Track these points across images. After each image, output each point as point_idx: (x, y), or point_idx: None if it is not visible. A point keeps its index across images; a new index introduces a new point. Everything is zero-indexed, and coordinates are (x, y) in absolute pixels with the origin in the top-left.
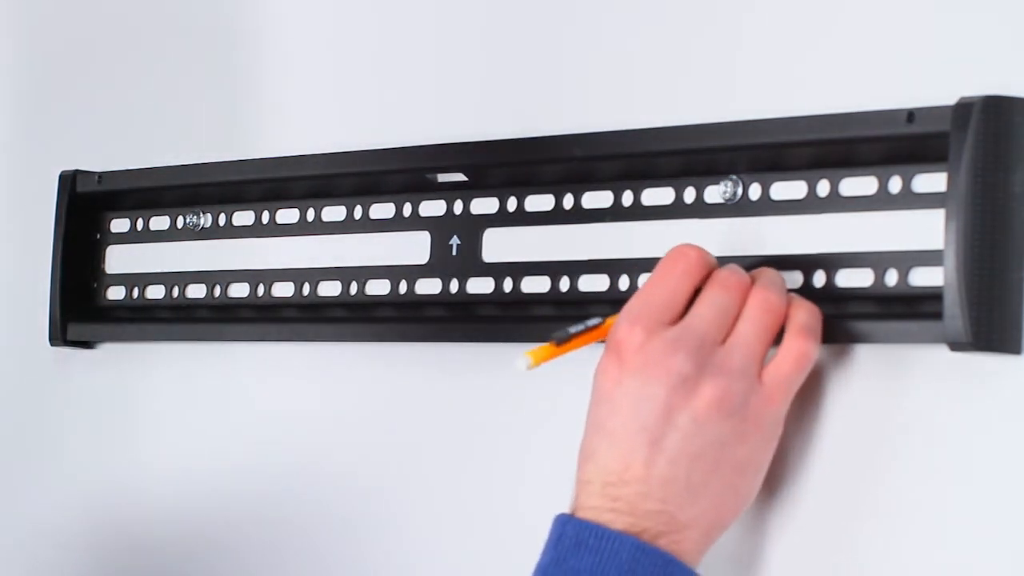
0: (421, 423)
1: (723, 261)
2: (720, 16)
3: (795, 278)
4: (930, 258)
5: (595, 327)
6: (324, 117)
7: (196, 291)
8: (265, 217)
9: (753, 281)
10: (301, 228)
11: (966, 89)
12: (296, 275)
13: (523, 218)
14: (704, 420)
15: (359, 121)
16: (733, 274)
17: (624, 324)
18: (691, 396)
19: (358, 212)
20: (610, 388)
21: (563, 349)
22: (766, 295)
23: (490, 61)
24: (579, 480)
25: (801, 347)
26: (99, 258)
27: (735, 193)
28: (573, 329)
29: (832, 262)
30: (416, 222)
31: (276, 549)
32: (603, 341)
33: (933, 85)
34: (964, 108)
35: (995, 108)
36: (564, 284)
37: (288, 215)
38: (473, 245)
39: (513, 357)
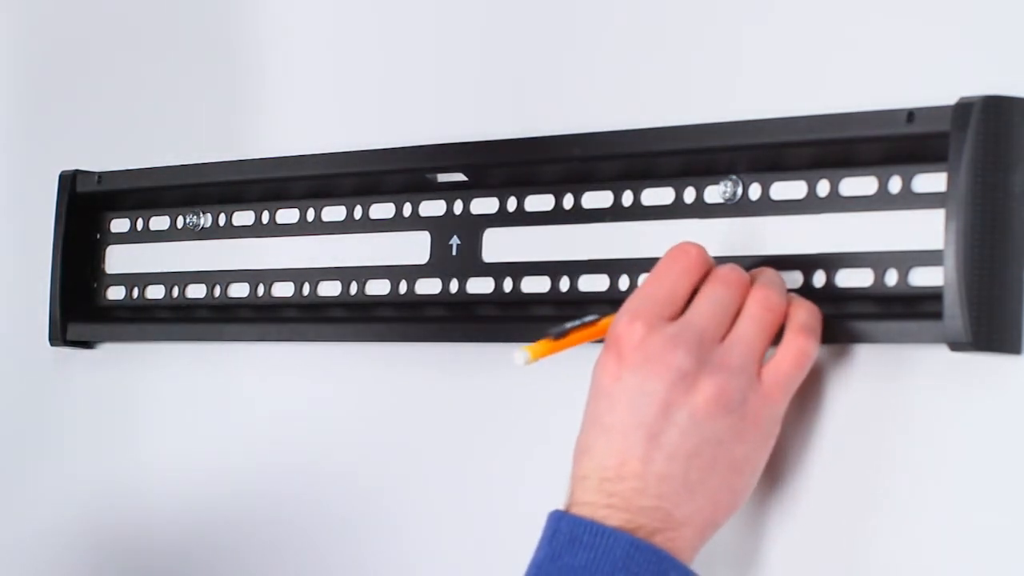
0: (421, 423)
1: (723, 261)
2: (720, 16)
3: (795, 278)
4: (930, 258)
5: (593, 323)
6: (324, 117)
7: (196, 291)
8: (265, 217)
9: (753, 280)
10: (301, 228)
11: (966, 89)
12: (296, 275)
13: (523, 218)
14: (703, 417)
15: (359, 121)
16: (733, 272)
17: (624, 319)
18: (690, 392)
19: (358, 212)
20: (608, 383)
21: (561, 344)
22: (766, 293)
23: (490, 61)
24: (575, 475)
25: (801, 345)
26: (99, 258)
27: (735, 193)
28: (570, 324)
29: (832, 262)
30: (416, 222)
31: (276, 549)
32: (602, 340)
33: (933, 85)
34: (964, 108)
35: (995, 108)
36: (564, 284)
37: (288, 215)
38: (473, 245)
39: (512, 354)
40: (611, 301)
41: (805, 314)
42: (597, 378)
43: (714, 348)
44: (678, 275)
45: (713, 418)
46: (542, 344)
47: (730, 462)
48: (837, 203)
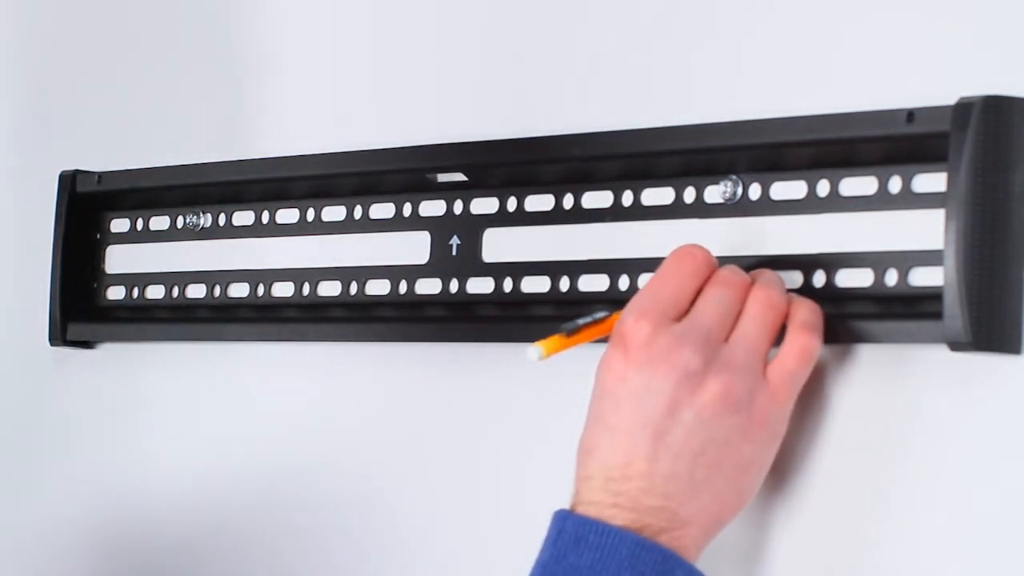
0: (421, 423)
1: (723, 261)
2: (720, 16)
3: (795, 278)
4: (930, 258)
5: (604, 319)
6: (324, 117)
7: (196, 291)
8: (265, 217)
9: (753, 281)
10: (301, 228)
11: (966, 89)
12: (296, 275)
13: (523, 218)
14: (709, 416)
15: (359, 121)
16: (734, 274)
17: (630, 318)
18: (696, 391)
19: (358, 212)
20: (613, 382)
21: (572, 340)
22: (767, 293)
23: (490, 61)
24: (579, 475)
25: (804, 342)
26: (99, 258)
27: (735, 193)
28: (582, 320)
29: (832, 262)
30: (416, 222)
31: (277, 549)
32: (605, 340)
33: (933, 85)
34: (964, 108)
35: (995, 108)
36: (564, 284)
37: (288, 215)
38: (473, 245)
39: (515, 355)
40: (611, 301)
41: (806, 311)
42: (601, 377)
43: (719, 347)
44: (684, 277)
45: (720, 417)
46: (554, 340)
47: (736, 461)
48: (837, 203)
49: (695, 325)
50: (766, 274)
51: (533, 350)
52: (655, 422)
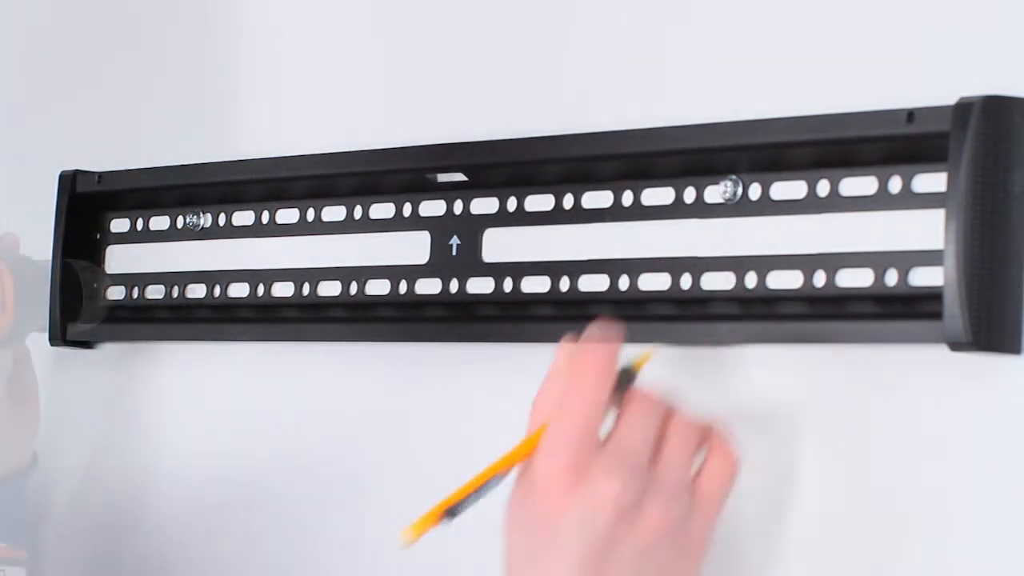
0: (421, 423)
1: (723, 261)
2: (720, 16)
3: (795, 278)
4: (930, 258)
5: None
6: (324, 117)
7: (196, 291)
8: (265, 217)
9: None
10: (301, 228)
11: (966, 89)
12: (296, 275)
13: (523, 218)
14: (652, 547)
15: (359, 121)
16: (649, 395)
17: (546, 456)
18: (636, 524)
19: (358, 212)
20: (543, 522)
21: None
22: (683, 417)
23: (490, 61)
24: None
25: (728, 459)
26: (99, 258)
27: (735, 193)
28: (466, 501)
29: (832, 262)
30: (416, 222)
31: (277, 549)
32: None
33: (933, 85)
34: (964, 108)
35: (995, 108)
36: (564, 284)
37: (288, 215)
38: (473, 245)
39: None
40: (611, 301)
41: (718, 427)
42: (519, 518)
43: (651, 475)
44: (594, 389)
45: (659, 545)
46: (427, 519)
47: None
48: (837, 203)
49: (623, 456)
50: (674, 406)
51: (404, 536)
52: (592, 563)
